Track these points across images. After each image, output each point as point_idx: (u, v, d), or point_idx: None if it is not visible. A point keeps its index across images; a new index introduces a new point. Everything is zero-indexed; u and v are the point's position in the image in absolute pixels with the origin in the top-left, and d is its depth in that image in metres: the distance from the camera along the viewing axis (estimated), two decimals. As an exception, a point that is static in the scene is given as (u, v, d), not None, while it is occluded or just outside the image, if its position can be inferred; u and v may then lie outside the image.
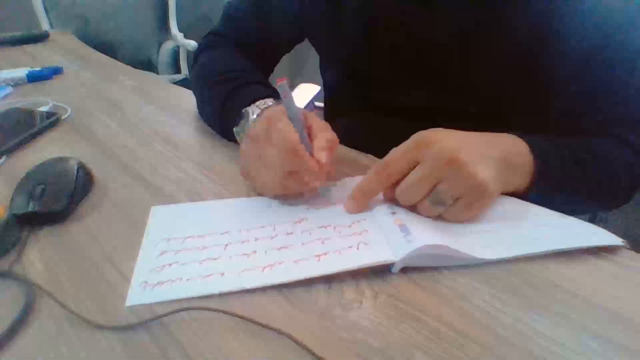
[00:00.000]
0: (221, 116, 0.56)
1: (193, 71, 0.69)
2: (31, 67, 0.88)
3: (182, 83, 1.80)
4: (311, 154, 0.42)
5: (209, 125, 0.62)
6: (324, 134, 0.44)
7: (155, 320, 0.32)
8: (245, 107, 0.51)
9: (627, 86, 0.49)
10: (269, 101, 0.51)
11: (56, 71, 0.89)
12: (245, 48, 0.67)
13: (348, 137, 0.59)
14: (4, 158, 0.57)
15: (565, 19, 0.47)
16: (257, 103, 0.51)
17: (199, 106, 0.65)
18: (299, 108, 0.44)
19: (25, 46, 1.10)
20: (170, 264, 0.38)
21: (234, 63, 0.64)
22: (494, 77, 0.52)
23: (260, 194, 0.47)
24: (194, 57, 0.72)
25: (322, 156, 0.42)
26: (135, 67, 0.95)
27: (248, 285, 0.35)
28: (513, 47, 0.50)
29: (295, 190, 0.44)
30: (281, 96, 0.42)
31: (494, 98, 0.53)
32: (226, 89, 0.56)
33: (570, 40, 0.48)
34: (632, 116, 0.50)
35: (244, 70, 0.61)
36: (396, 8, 0.55)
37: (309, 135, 0.44)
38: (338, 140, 0.45)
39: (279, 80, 0.41)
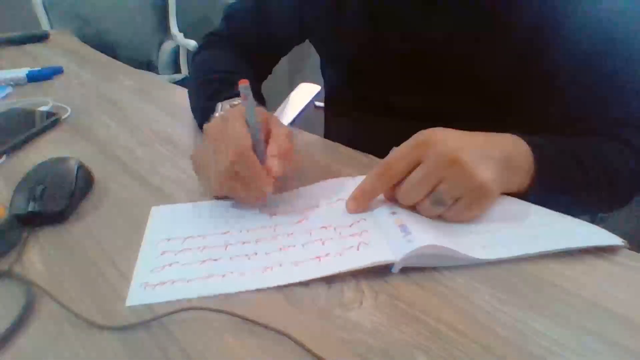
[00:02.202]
0: (202, 114, 0.56)
1: (189, 71, 0.69)
2: (31, 67, 0.88)
3: (182, 83, 1.80)
4: (263, 160, 0.41)
5: (198, 125, 0.62)
6: (280, 141, 0.43)
7: (155, 320, 0.32)
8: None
9: (628, 87, 0.49)
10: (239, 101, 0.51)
11: (56, 71, 0.89)
12: (244, 48, 0.67)
13: (348, 137, 0.59)
14: (4, 158, 0.57)
15: (565, 19, 0.47)
16: (229, 100, 0.51)
17: (190, 105, 0.66)
18: (263, 112, 0.44)
19: (25, 46, 1.10)
20: (170, 264, 0.38)
21: (225, 63, 0.64)
22: (494, 79, 0.52)
23: (203, 193, 0.46)
24: (193, 57, 0.72)
25: (273, 164, 0.41)
26: (135, 67, 0.95)
27: (248, 287, 0.35)
28: (513, 48, 0.50)
29: (240, 194, 0.43)
30: (241, 98, 0.41)
31: (495, 99, 0.53)
32: (212, 88, 0.57)
33: (570, 41, 0.48)
34: (633, 117, 0.50)
35: (233, 71, 0.61)
36: (397, 10, 0.55)
37: (267, 140, 0.43)
38: (292, 149, 0.44)
39: (240, 82, 0.41)
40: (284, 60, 0.75)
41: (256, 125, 0.42)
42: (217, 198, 0.46)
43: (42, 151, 0.59)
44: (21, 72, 0.85)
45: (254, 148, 0.41)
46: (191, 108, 0.65)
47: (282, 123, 0.46)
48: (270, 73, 0.73)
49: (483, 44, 0.51)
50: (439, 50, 0.54)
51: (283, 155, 0.42)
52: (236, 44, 0.68)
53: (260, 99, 0.63)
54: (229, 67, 0.62)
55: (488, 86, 0.53)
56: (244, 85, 0.40)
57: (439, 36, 0.53)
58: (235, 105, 0.50)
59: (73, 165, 0.49)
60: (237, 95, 0.51)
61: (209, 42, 0.71)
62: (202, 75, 0.62)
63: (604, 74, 0.49)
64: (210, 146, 0.43)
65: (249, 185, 0.42)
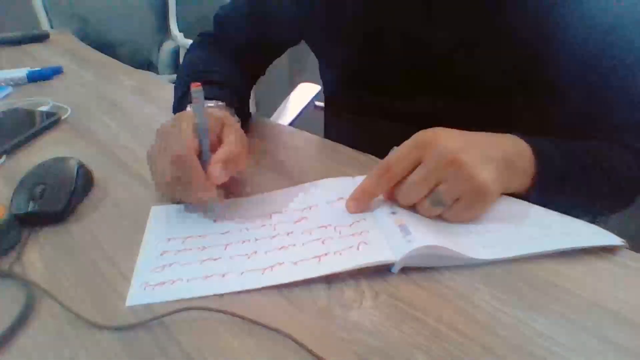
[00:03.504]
0: (175, 112, 0.57)
1: None
2: (31, 67, 0.88)
3: (182, 83, 1.80)
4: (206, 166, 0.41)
5: None
6: (229, 147, 0.42)
7: (155, 320, 0.32)
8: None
9: (630, 90, 0.49)
10: (212, 103, 0.51)
11: (56, 71, 0.89)
12: (235, 50, 0.66)
13: (348, 137, 0.59)
14: (4, 158, 0.57)
15: (567, 23, 0.47)
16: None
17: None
18: (220, 116, 0.44)
19: (25, 46, 1.10)
20: (170, 264, 0.38)
21: (207, 63, 0.64)
22: (496, 83, 0.52)
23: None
24: (184, 57, 0.72)
25: (214, 170, 0.40)
26: (135, 67, 0.95)
27: (248, 287, 0.35)
28: (515, 52, 0.50)
29: (180, 196, 0.43)
30: (192, 101, 0.41)
31: (496, 103, 0.53)
32: (183, 90, 0.57)
33: (572, 45, 0.48)
34: (634, 121, 0.50)
35: (213, 71, 0.61)
36: (397, 14, 0.55)
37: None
38: (242, 154, 0.43)
39: (192, 85, 0.40)
40: (284, 60, 0.75)
41: (205, 130, 0.42)
42: (173, 202, 0.46)
43: (42, 151, 0.59)
44: (21, 72, 0.85)
45: (200, 153, 0.41)
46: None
47: (238, 128, 0.46)
48: (263, 74, 0.72)
49: (483, 48, 0.51)
50: (438, 55, 0.54)
51: (229, 161, 0.41)
52: (227, 45, 0.67)
53: (244, 100, 0.63)
54: (211, 68, 0.62)
55: (489, 92, 0.53)
56: (195, 89, 0.40)
57: (438, 40, 0.53)
58: (209, 107, 0.50)
59: (73, 165, 0.49)
60: (211, 97, 0.52)
61: (199, 42, 0.71)
62: (183, 75, 0.62)
63: (605, 79, 0.49)
64: (159, 146, 0.43)
65: (188, 190, 0.41)
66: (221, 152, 0.42)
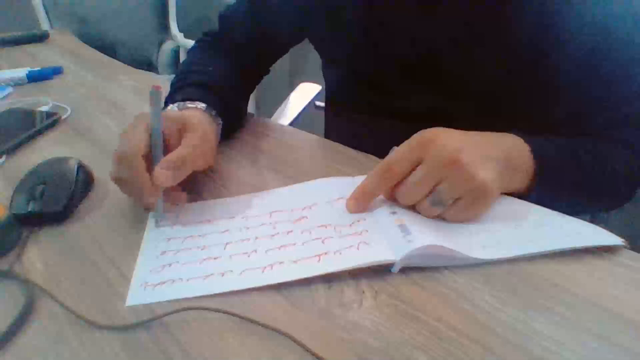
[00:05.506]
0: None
1: None
2: (31, 67, 0.88)
3: (182, 83, 1.80)
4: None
5: None
6: (180, 150, 0.42)
7: (155, 320, 0.32)
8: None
9: (628, 88, 0.49)
10: (190, 103, 0.52)
11: (56, 71, 0.89)
12: (237, 50, 0.67)
13: (348, 137, 0.59)
14: (4, 158, 0.57)
15: (566, 21, 0.47)
16: (181, 103, 0.52)
17: None
18: (181, 119, 0.45)
19: (25, 46, 1.10)
20: (170, 264, 0.38)
21: (202, 64, 0.64)
22: (496, 80, 0.52)
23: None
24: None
25: (158, 174, 0.40)
26: (135, 67, 0.95)
27: (248, 286, 0.35)
28: (515, 50, 0.50)
29: (129, 196, 0.43)
30: (149, 103, 0.41)
31: (496, 101, 0.53)
32: (173, 88, 0.58)
33: (572, 42, 0.48)
34: (633, 118, 0.50)
35: (206, 72, 0.61)
36: (397, 12, 0.55)
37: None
38: (195, 159, 0.43)
39: (152, 86, 0.41)
40: (284, 60, 0.75)
41: (158, 131, 0.42)
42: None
43: (42, 151, 0.59)
44: (21, 72, 0.85)
45: (150, 155, 0.41)
46: None
47: (198, 130, 0.45)
48: (266, 74, 0.73)
49: (485, 47, 0.51)
50: (439, 53, 0.54)
51: (178, 164, 0.41)
52: (229, 45, 0.67)
53: (240, 101, 0.63)
54: (204, 69, 0.62)
55: (489, 89, 0.53)
56: (153, 90, 0.41)
57: (440, 39, 0.53)
58: (187, 108, 0.51)
59: (73, 165, 0.49)
60: (193, 99, 0.52)
61: (200, 42, 0.71)
62: (179, 75, 0.62)
63: (604, 75, 0.49)
64: (118, 145, 0.43)
65: (132, 191, 0.42)
66: (171, 155, 0.42)
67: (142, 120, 0.43)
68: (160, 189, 0.42)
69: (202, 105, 0.52)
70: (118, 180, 0.42)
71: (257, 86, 0.72)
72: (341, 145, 0.58)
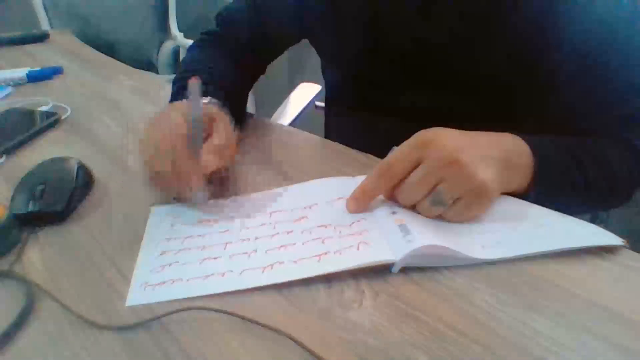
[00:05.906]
0: None
1: None
2: (31, 67, 0.88)
3: (182, 83, 1.79)
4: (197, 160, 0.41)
5: None
6: (219, 137, 0.43)
7: (155, 320, 0.32)
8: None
9: (628, 87, 0.49)
10: (206, 99, 0.52)
11: (56, 71, 0.89)
12: (236, 49, 0.67)
13: (348, 137, 0.59)
14: (4, 158, 0.57)
15: (565, 19, 0.47)
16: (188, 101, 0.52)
17: None
18: (213, 112, 0.45)
19: (25, 46, 1.10)
20: (170, 264, 0.38)
21: (204, 62, 0.64)
22: (496, 79, 0.52)
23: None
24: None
25: (207, 159, 0.41)
26: (135, 67, 0.95)
27: (248, 285, 0.35)
28: (514, 48, 0.50)
29: (171, 184, 0.42)
30: (189, 94, 0.41)
31: (496, 99, 0.53)
32: (176, 87, 0.58)
33: (571, 41, 0.48)
34: (633, 117, 0.50)
35: (208, 70, 0.61)
36: (396, 10, 0.55)
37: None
38: (232, 147, 0.44)
39: (190, 81, 0.41)
40: (284, 60, 0.75)
41: (198, 121, 0.42)
42: (170, 200, 0.46)
43: (42, 151, 0.59)
44: (21, 72, 0.85)
45: (190, 143, 0.42)
46: None
47: (228, 123, 0.46)
48: (263, 73, 0.73)
49: (484, 43, 0.51)
50: (439, 51, 0.54)
51: (220, 150, 0.42)
52: (228, 44, 0.67)
53: (241, 99, 0.63)
54: (206, 67, 0.62)
55: (489, 88, 0.53)
56: (192, 83, 0.41)
57: (439, 37, 0.53)
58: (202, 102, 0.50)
59: (73, 165, 0.49)
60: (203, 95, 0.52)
61: (199, 41, 0.71)
62: (182, 73, 0.62)
63: (604, 74, 0.49)
64: (147, 136, 0.43)
65: (176, 179, 0.41)
66: (214, 139, 0.42)
67: (175, 109, 0.43)
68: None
69: (215, 101, 0.52)
70: (156, 170, 0.41)
71: (257, 86, 0.72)
72: (341, 145, 0.58)
